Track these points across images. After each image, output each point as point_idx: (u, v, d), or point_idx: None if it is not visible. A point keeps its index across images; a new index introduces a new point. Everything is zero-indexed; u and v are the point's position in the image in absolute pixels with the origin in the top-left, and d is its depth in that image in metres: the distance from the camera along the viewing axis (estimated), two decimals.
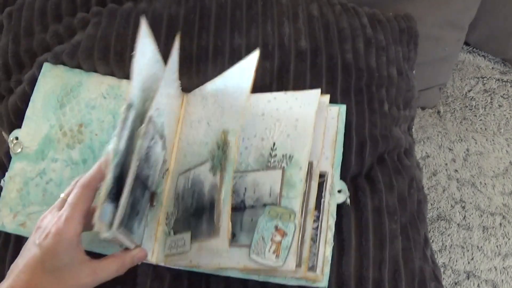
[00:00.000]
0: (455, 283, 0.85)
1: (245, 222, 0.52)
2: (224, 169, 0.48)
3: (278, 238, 0.50)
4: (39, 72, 0.62)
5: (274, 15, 0.66)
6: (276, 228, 0.50)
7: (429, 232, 0.87)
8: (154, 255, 0.54)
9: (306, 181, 0.53)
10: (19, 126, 0.60)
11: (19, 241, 0.57)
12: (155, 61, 0.52)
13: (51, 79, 0.61)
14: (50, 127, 0.60)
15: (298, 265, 0.51)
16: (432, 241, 0.87)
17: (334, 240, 0.56)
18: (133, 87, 0.47)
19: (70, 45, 0.63)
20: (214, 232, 0.47)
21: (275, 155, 0.53)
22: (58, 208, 0.48)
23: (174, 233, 0.53)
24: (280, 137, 0.54)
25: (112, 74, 0.62)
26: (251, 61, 0.50)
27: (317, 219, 0.54)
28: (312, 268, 0.53)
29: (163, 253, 0.54)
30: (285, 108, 0.55)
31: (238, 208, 0.53)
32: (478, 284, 0.85)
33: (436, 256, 0.86)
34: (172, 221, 0.54)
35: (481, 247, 0.87)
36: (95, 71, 0.63)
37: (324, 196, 0.55)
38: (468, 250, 0.87)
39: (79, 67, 0.63)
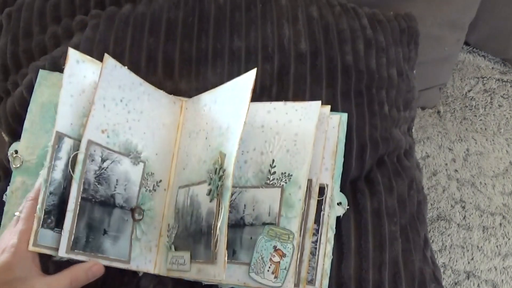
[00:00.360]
0: (455, 283, 0.85)
1: (245, 239, 0.52)
2: (221, 196, 0.49)
3: (276, 258, 0.50)
4: (36, 77, 0.62)
5: (274, 17, 0.65)
6: (275, 248, 0.50)
7: (429, 232, 0.87)
8: (157, 267, 0.55)
9: (305, 199, 0.53)
10: (18, 130, 0.60)
11: None
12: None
13: (47, 89, 0.60)
14: (49, 139, 0.59)
15: (297, 284, 0.51)
16: (432, 241, 0.87)
17: (333, 243, 0.56)
18: (60, 118, 0.49)
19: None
20: (212, 259, 0.48)
21: (274, 172, 0.53)
22: (14, 225, 0.49)
23: (175, 249, 0.54)
24: (279, 152, 0.54)
25: None
26: (248, 81, 0.50)
27: (317, 232, 0.55)
28: (311, 281, 0.54)
29: (165, 266, 0.54)
30: (285, 121, 0.55)
31: (237, 225, 0.53)
32: (478, 284, 0.85)
33: (436, 256, 0.85)
34: (173, 235, 0.54)
35: (481, 247, 0.87)
36: None
37: (324, 209, 0.55)
38: (468, 250, 0.87)
39: None
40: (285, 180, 0.53)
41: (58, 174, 0.48)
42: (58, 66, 0.62)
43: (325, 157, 0.56)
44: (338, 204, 0.57)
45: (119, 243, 0.52)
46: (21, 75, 0.66)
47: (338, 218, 0.57)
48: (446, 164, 0.93)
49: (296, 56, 0.63)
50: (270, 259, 0.50)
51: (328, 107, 0.56)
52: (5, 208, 0.57)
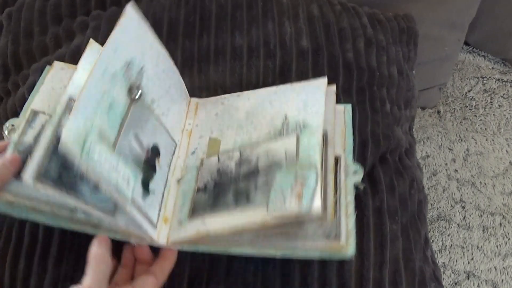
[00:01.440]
0: (455, 283, 0.85)
1: (260, 183, 0.48)
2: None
3: (298, 187, 0.45)
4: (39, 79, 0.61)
5: (275, 15, 0.65)
6: (296, 178, 0.46)
7: (429, 232, 0.87)
8: (161, 237, 0.49)
9: (323, 146, 0.50)
10: None
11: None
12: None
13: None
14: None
15: (324, 208, 0.46)
16: (432, 241, 0.87)
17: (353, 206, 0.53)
18: (37, 99, 0.51)
19: (70, 50, 0.63)
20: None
21: (288, 124, 0.51)
22: None
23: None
24: (292, 113, 0.52)
25: None
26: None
27: (336, 193, 0.50)
28: (336, 237, 0.48)
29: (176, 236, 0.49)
30: (293, 95, 0.54)
31: (251, 173, 0.50)
32: (478, 284, 0.85)
33: (436, 256, 0.85)
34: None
35: (481, 247, 0.87)
36: None
37: (340, 176, 0.52)
38: (468, 250, 0.87)
39: None
40: (300, 129, 0.50)
41: (29, 138, 0.48)
42: None
43: (335, 135, 0.54)
44: (353, 172, 0.54)
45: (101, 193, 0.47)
46: (22, 76, 0.66)
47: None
48: (446, 164, 0.93)
49: (297, 53, 0.63)
50: (291, 189, 0.46)
51: (334, 85, 0.54)
52: None
